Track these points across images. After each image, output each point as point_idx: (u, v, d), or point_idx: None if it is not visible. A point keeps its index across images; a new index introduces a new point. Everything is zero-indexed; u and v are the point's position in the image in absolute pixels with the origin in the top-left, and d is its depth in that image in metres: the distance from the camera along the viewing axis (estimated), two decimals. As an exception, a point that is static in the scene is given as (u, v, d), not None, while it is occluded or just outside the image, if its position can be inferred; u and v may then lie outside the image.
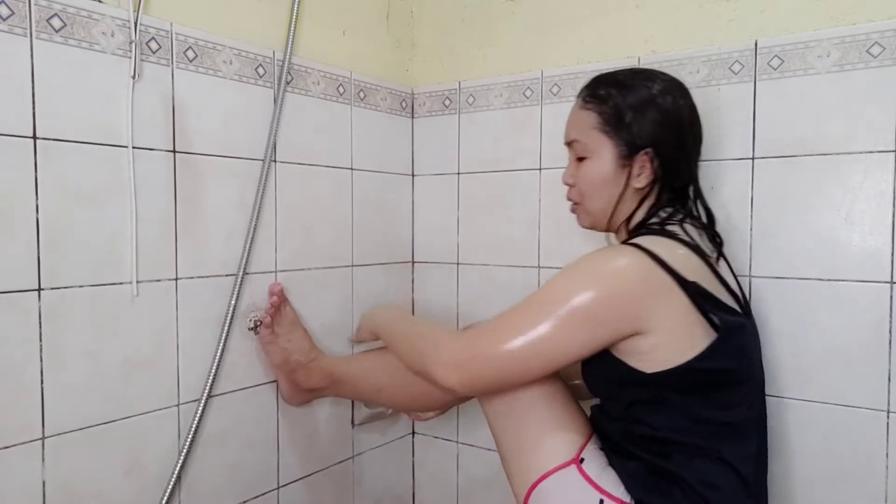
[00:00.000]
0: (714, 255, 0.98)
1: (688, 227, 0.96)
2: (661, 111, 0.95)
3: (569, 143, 1.03)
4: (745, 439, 0.92)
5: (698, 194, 1.02)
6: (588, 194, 1.00)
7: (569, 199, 1.05)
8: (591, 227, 1.05)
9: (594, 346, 0.87)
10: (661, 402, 0.88)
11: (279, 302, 1.20)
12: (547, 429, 0.94)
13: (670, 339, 0.86)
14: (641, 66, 1.07)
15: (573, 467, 0.91)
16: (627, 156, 0.96)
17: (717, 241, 1.00)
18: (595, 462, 0.92)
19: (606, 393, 0.97)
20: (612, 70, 1.03)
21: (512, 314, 0.90)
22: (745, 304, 0.96)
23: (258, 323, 1.19)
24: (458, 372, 0.89)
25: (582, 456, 0.92)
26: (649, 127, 0.95)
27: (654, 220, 0.96)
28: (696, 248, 0.91)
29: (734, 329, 0.89)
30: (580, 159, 1.00)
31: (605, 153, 0.97)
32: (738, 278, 1.01)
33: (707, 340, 0.86)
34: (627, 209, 0.99)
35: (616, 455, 0.93)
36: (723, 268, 0.98)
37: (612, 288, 0.85)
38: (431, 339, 0.95)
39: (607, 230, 1.03)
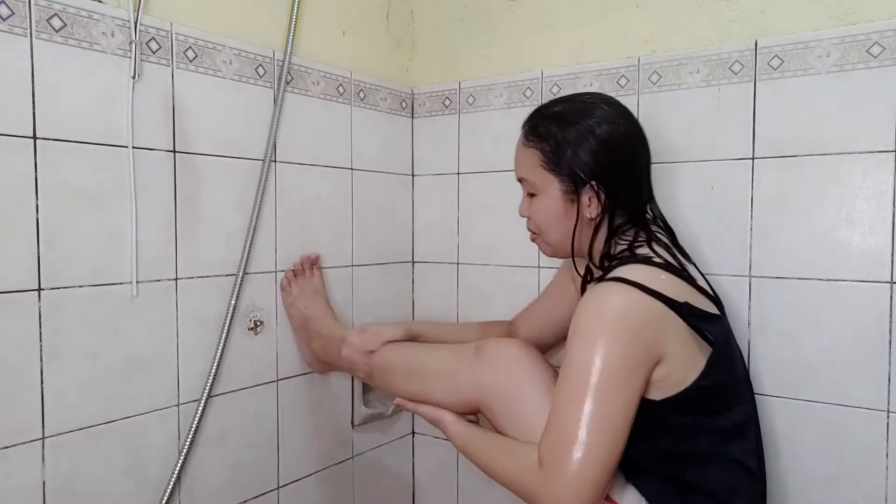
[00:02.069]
0: (686, 264, 0.97)
1: (655, 246, 0.95)
2: (599, 142, 0.96)
3: (518, 180, 1.05)
4: (746, 434, 0.93)
5: (656, 212, 1.03)
6: (543, 229, 1.02)
7: (528, 230, 1.06)
8: (553, 256, 1.06)
9: (642, 386, 0.86)
10: (667, 423, 0.89)
11: (303, 267, 1.26)
12: None
13: (679, 363, 0.87)
14: (582, 92, 1.09)
15: None
16: (574, 190, 0.97)
17: (683, 253, 1.00)
18: (616, 483, 0.91)
19: None
20: (552, 100, 1.05)
21: (561, 416, 0.85)
22: (718, 301, 0.97)
23: (258, 323, 1.20)
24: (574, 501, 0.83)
25: None
26: (590, 160, 0.95)
27: (621, 246, 0.96)
28: (672, 268, 0.91)
29: (723, 339, 0.91)
30: (531, 195, 1.02)
31: (551, 190, 0.99)
32: (737, 278, 1.01)
33: (704, 357, 0.88)
34: (585, 238, 1.00)
35: (632, 472, 0.93)
36: (693, 271, 0.97)
37: (625, 330, 0.84)
38: (525, 489, 0.87)
39: (578, 256, 1.03)
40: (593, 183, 0.95)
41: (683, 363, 0.87)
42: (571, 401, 0.84)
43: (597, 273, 1.02)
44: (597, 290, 0.89)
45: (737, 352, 0.98)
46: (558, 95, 1.34)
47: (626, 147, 0.98)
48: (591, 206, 0.97)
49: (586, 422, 0.82)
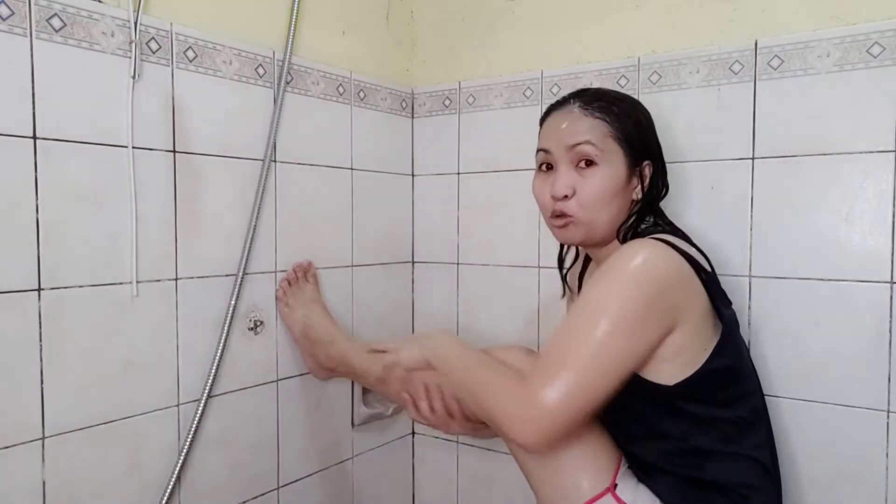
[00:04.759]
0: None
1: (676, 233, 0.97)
2: (651, 124, 1.00)
3: (572, 146, 0.94)
4: (758, 428, 0.94)
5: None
6: (593, 204, 0.94)
7: (558, 215, 0.97)
8: (581, 243, 1.01)
9: (649, 346, 0.85)
10: (679, 412, 0.88)
11: (296, 275, 1.25)
12: (578, 456, 0.91)
13: (692, 337, 0.87)
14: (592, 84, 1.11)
15: (609, 496, 0.90)
16: (636, 165, 0.97)
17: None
18: (628, 485, 0.92)
19: (627, 413, 0.93)
20: (587, 87, 1.06)
21: (560, 345, 0.84)
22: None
23: (258, 323, 1.20)
24: (533, 429, 0.82)
25: (616, 482, 0.91)
26: (650, 139, 0.99)
27: (643, 226, 0.97)
28: (696, 248, 0.94)
29: (732, 323, 0.92)
30: (587, 165, 0.94)
31: (618, 162, 0.95)
32: (737, 278, 1.02)
33: (715, 337, 0.89)
34: (624, 220, 0.97)
35: (648, 473, 0.93)
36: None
37: (648, 281, 0.83)
38: (498, 395, 0.86)
39: (597, 245, 1.00)
40: (649, 162, 0.98)
41: (696, 338, 0.87)
42: (576, 333, 0.83)
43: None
44: (628, 245, 0.89)
45: (743, 343, 0.99)
46: (560, 94, 1.34)
47: (656, 135, 1.02)
48: (639, 186, 0.98)
49: (584, 357, 0.81)
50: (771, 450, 0.97)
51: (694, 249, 0.92)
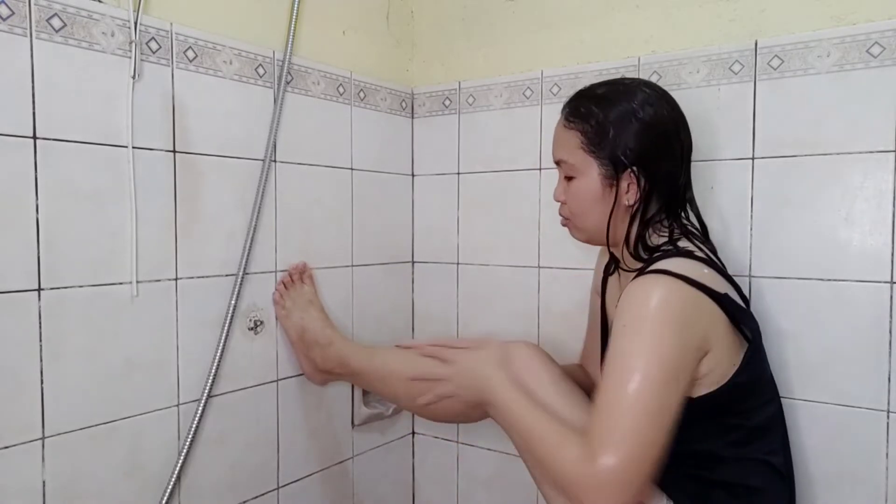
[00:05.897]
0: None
1: (693, 240, 0.95)
2: (643, 125, 0.94)
3: (556, 162, 1.02)
4: (772, 434, 0.94)
5: (692, 203, 1.02)
6: (578, 213, 0.99)
7: (560, 215, 1.04)
8: (587, 242, 1.04)
9: (691, 382, 0.84)
10: (698, 421, 0.88)
11: (291, 278, 1.25)
12: None
13: (721, 357, 0.86)
14: (623, 77, 1.05)
15: None
16: (613, 175, 0.95)
17: (713, 249, 1.00)
18: None
19: None
20: (592, 84, 1.02)
21: (612, 409, 0.81)
22: (746, 299, 0.98)
23: (258, 323, 1.20)
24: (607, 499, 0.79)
25: None
26: (633, 143, 0.93)
27: (661, 238, 0.95)
28: (713, 264, 0.91)
29: (757, 336, 0.91)
30: (569, 178, 1.00)
31: (591, 173, 0.96)
32: (737, 278, 1.02)
33: (741, 353, 0.88)
34: (621, 227, 0.97)
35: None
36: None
37: (674, 323, 0.82)
38: (562, 465, 0.83)
39: (605, 245, 1.03)
40: (634, 168, 0.93)
41: (723, 358, 0.87)
42: (623, 394, 0.80)
43: (631, 263, 0.99)
44: (641, 283, 0.86)
45: (765, 354, 0.98)
46: (561, 94, 1.35)
47: (668, 131, 0.96)
48: (629, 193, 0.95)
49: (637, 418, 0.79)
50: (785, 454, 0.96)
51: (706, 269, 0.88)
